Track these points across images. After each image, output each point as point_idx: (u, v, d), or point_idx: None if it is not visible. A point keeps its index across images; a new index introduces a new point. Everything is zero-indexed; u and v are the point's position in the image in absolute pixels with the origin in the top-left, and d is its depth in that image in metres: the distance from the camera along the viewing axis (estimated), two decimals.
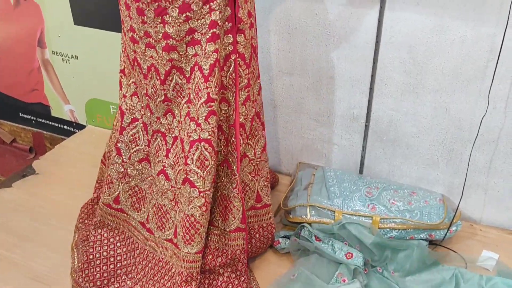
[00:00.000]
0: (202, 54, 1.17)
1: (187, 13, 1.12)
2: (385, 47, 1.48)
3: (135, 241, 1.46)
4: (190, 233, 1.25)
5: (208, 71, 1.17)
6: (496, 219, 1.59)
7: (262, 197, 1.41)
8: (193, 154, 1.22)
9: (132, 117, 1.37)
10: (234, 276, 1.35)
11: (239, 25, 1.20)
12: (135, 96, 1.35)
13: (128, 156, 1.39)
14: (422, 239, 1.48)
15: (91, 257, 1.44)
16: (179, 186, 1.27)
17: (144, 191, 1.41)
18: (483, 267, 1.46)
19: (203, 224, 1.25)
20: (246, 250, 1.35)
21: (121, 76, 1.43)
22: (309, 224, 1.50)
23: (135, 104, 1.36)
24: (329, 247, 1.42)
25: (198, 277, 1.29)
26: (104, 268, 1.44)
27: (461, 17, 1.36)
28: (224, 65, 1.22)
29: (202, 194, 1.23)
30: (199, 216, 1.24)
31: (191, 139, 1.22)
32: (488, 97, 1.41)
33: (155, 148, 1.34)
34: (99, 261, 1.44)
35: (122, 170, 1.41)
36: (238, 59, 1.23)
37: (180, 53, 1.18)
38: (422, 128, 1.56)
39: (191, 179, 1.23)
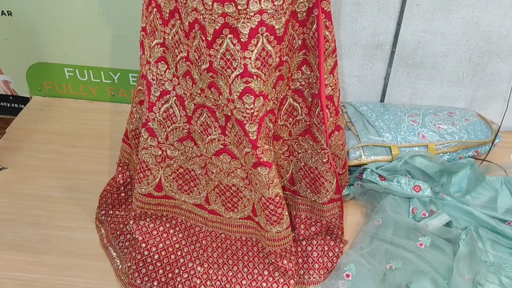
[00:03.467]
0: (273, 10, 0.91)
1: None
2: None
3: (193, 225, 1.25)
4: (277, 213, 1.10)
5: (282, 30, 0.94)
6: None
7: (347, 163, 1.29)
8: (262, 133, 1.02)
9: (161, 89, 1.09)
10: (329, 237, 1.24)
11: None
12: (162, 62, 1.06)
13: (165, 136, 1.13)
14: (470, 157, 1.51)
15: (145, 253, 1.22)
16: (249, 168, 1.08)
17: (193, 172, 1.19)
18: None
19: (283, 197, 1.11)
20: (343, 215, 1.24)
21: (143, 36, 1.12)
22: (365, 164, 1.43)
23: (162, 73, 1.07)
24: (396, 184, 1.38)
25: (293, 248, 1.17)
26: (165, 261, 1.23)
27: None
28: (306, 20, 0.99)
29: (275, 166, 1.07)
30: (281, 191, 1.09)
31: (259, 117, 1.01)
32: None
33: (200, 125, 1.09)
34: (157, 255, 1.23)
35: (160, 153, 1.15)
36: (325, 19, 1.00)
37: (239, 7, 0.90)
38: (451, 46, 1.53)
39: (265, 159, 1.03)
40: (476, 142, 1.47)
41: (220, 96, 1.01)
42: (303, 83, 1.08)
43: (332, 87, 1.11)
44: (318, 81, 1.06)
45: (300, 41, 1.03)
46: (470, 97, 1.64)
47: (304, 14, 0.99)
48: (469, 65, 1.57)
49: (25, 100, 1.86)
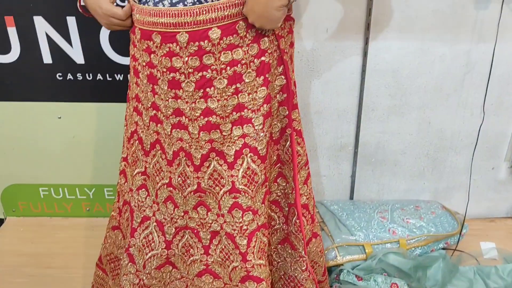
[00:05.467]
0: (255, 134, 1.00)
1: (237, 85, 0.96)
2: (371, 75, 1.51)
3: None
4: None
5: (265, 150, 1.02)
6: (477, 211, 1.76)
7: (326, 270, 1.32)
8: (254, 247, 1.06)
9: (142, 216, 1.12)
10: None
11: (293, 100, 1.06)
12: (143, 190, 1.11)
13: (142, 264, 1.13)
14: (441, 249, 1.55)
15: None
16: (236, 284, 1.09)
17: None
18: (490, 258, 1.60)
19: None
20: None
21: (124, 166, 1.18)
22: (341, 265, 1.46)
23: (143, 200, 1.11)
24: (373, 283, 1.40)
25: None
26: None
27: (439, 39, 1.46)
28: (280, 138, 1.09)
29: (268, 282, 1.09)
30: None
31: (249, 231, 1.05)
32: (484, 106, 1.54)
33: (182, 247, 1.12)
34: None
35: (137, 281, 1.15)
36: (296, 136, 1.10)
37: (224, 133, 0.99)
38: (408, 144, 1.64)
39: (255, 274, 1.06)
40: (444, 234, 1.53)
41: (209, 213, 1.05)
42: (279, 193, 1.14)
43: (307, 196, 1.17)
44: (293, 191, 1.12)
45: (275, 157, 1.11)
46: (433, 189, 1.73)
47: (277, 134, 1.08)
48: (428, 160, 1.67)
49: None
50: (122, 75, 1.55)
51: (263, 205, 1.06)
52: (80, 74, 1.55)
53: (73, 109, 1.61)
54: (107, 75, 1.55)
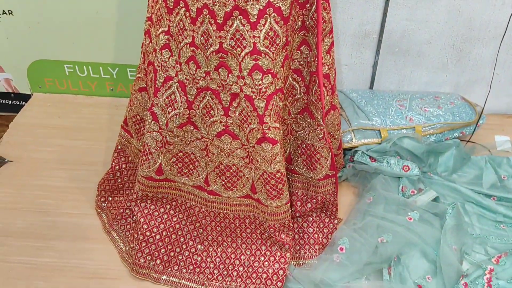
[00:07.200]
0: None
1: None
2: None
3: (193, 206, 1.32)
4: (277, 188, 1.16)
5: (288, 11, 1.01)
6: (496, 107, 1.76)
7: (342, 144, 1.36)
8: (271, 110, 1.09)
9: (165, 75, 1.14)
10: (324, 215, 1.31)
11: None
12: (166, 50, 1.12)
13: (165, 122, 1.18)
14: (456, 138, 1.58)
15: (147, 233, 1.28)
16: (252, 145, 1.15)
17: (192, 155, 1.25)
18: (503, 150, 1.63)
19: (285, 174, 1.18)
20: (337, 192, 1.31)
21: (149, 25, 1.19)
22: (356, 147, 1.50)
23: (166, 60, 1.13)
24: (386, 165, 1.45)
25: (291, 224, 1.24)
26: (166, 240, 1.30)
27: None
28: (306, 2, 1.07)
29: (281, 144, 1.14)
30: (283, 169, 1.16)
31: (267, 94, 1.07)
32: None
33: (203, 108, 1.15)
34: (158, 235, 1.29)
35: (161, 138, 1.21)
36: (323, 1, 1.08)
37: None
38: (435, 34, 1.61)
39: (271, 136, 1.11)
40: (461, 123, 1.55)
41: (230, 75, 1.08)
42: (302, 62, 1.16)
43: (329, 66, 1.18)
44: (316, 59, 1.13)
45: (300, 23, 1.10)
46: (455, 82, 1.72)
47: None
48: (453, 52, 1.64)
49: (26, 97, 1.92)
50: None
51: (282, 69, 1.07)
52: None
53: None
54: None
